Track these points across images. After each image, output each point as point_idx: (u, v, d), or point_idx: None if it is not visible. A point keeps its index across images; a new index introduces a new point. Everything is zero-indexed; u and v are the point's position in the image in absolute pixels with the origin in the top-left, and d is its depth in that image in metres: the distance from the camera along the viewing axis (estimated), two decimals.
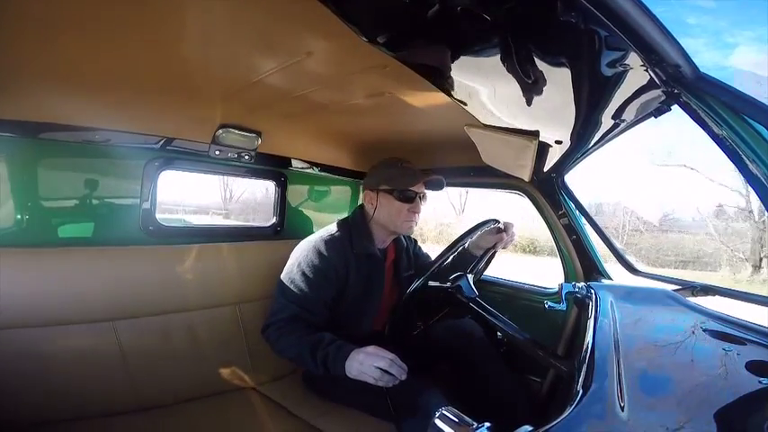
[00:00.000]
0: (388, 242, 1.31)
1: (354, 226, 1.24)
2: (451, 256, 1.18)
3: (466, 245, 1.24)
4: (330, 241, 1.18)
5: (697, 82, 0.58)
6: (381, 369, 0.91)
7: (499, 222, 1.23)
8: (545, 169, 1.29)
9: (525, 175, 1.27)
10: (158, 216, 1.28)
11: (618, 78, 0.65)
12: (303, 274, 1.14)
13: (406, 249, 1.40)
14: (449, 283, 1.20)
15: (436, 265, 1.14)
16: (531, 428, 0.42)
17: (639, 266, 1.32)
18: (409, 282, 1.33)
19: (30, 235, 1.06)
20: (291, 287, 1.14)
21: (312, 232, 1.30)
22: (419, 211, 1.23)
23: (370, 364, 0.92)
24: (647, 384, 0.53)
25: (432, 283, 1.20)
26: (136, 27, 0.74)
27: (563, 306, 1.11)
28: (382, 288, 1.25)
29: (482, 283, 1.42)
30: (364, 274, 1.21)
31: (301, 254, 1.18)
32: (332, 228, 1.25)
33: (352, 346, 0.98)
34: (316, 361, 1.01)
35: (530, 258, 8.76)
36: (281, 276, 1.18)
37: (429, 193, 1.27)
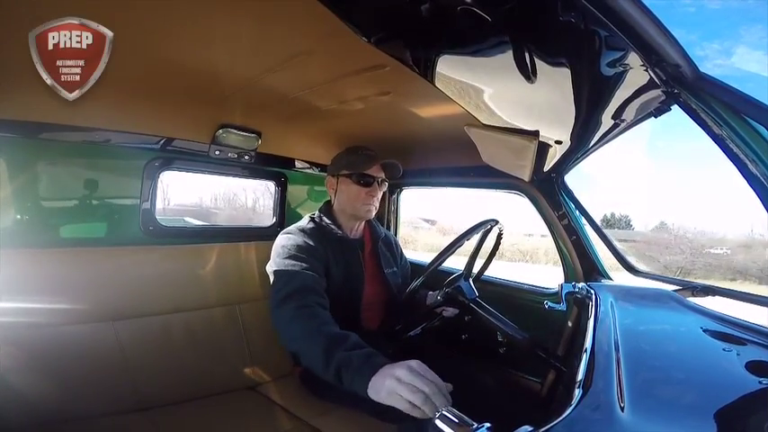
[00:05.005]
0: (356, 229, 1.32)
1: (321, 216, 1.28)
2: (451, 256, 1.18)
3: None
4: (304, 229, 1.21)
5: (697, 82, 0.58)
6: (425, 394, 0.67)
7: (499, 222, 1.23)
8: (545, 169, 1.29)
9: (525, 175, 1.27)
10: (158, 216, 1.28)
11: (618, 78, 0.65)
12: (292, 256, 1.12)
13: (386, 241, 1.41)
14: (447, 288, 1.21)
15: (436, 264, 1.14)
16: (531, 428, 0.42)
17: (639, 266, 1.32)
18: (394, 278, 1.34)
19: (30, 235, 1.06)
20: (285, 270, 1.09)
21: None
22: (377, 195, 1.27)
23: (411, 383, 0.69)
24: (646, 384, 0.53)
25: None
26: (136, 27, 0.74)
27: (563, 306, 1.11)
28: (363, 274, 1.25)
29: (482, 283, 1.41)
30: (341, 258, 1.22)
31: (281, 242, 1.17)
32: (301, 221, 1.27)
33: (385, 358, 0.78)
34: (328, 361, 0.82)
35: None
36: (271, 269, 1.13)
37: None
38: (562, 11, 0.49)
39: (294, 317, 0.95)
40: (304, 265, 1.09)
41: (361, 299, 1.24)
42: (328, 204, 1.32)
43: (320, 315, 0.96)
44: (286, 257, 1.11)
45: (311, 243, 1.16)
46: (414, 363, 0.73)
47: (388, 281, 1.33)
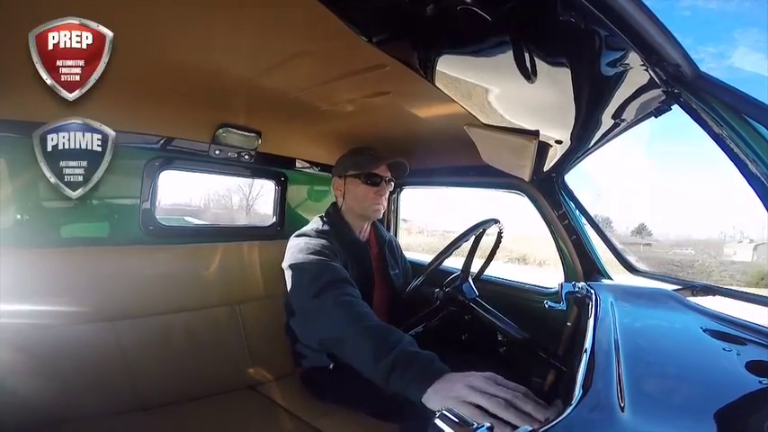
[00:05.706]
0: (364, 231, 1.32)
1: (331, 218, 1.27)
2: (451, 255, 1.18)
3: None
4: (317, 231, 1.20)
5: (697, 82, 0.58)
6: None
7: (499, 222, 1.23)
8: (545, 169, 1.29)
9: (525, 174, 1.27)
10: (158, 216, 1.28)
11: (618, 78, 0.65)
12: (317, 252, 1.09)
13: (389, 244, 1.41)
14: (447, 287, 1.21)
15: (436, 263, 1.14)
16: (531, 429, 0.42)
17: (639, 266, 1.32)
18: (397, 280, 1.34)
19: (29, 235, 1.06)
20: (314, 262, 1.06)
21: None
22: (385, 195, 1.27)
23: (484, 390, 0.62)
24: (647, 384, 0.53)
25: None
26: (136, 27, 0.74)
27: (563, 306, 1.11)
28: (373, 277, 1.25)
29: (482, 283, 1.41)
30: (354, 260, 1.22)
31: (302, 242, 1.14)
32: (312, 223, 1.26)
33: (446, 366, 0.72)
34: (379, 355, 0.76)
35: None
36: (294, 266, 1.09)
37: None
38: (562, 11, 0.49)
39: (337, 303, 0.93)
40: (332, 261, 1.08)
41: (372, 302, 1.23)
42: (336, 206, 1.31)
43: (364, 305, 0.95)
44: (311, 254, 1.09)
45: (331, 244, 1.15)
46: (488, 374, 0.66)
47: (393, 283, 1.33)
